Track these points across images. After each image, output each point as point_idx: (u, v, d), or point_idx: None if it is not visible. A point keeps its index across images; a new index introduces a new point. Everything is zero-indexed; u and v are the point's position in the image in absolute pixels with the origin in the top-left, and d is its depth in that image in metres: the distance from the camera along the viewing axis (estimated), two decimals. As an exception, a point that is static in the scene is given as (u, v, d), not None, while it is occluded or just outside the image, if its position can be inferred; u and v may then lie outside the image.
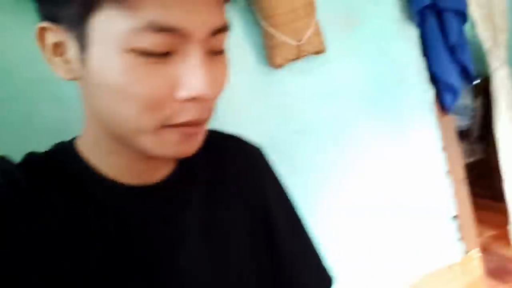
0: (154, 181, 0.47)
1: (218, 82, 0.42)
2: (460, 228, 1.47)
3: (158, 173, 0.48)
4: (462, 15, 1.34)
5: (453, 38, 1.32)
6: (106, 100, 0.39)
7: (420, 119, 1.40)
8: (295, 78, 1.15)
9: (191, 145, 0.43)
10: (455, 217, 1.46)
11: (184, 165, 0.50)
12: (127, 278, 0.43)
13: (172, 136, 0.40)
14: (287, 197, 0.60)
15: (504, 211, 1.73)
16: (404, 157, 1.38)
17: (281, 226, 0.57)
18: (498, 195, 1.86)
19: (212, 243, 0.49)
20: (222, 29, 0.40)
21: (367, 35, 1.29)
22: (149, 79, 0.37)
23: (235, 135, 0.60)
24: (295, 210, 0.60)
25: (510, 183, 1.66)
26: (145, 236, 0.45)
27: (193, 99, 0.39)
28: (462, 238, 1.46)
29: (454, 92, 1.39)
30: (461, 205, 1.47)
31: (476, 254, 1.49)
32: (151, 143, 0.40)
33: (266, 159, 0.60)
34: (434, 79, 1.40)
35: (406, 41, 1.36)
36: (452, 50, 1.36)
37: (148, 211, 0.46)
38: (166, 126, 0.40)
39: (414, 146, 1.39)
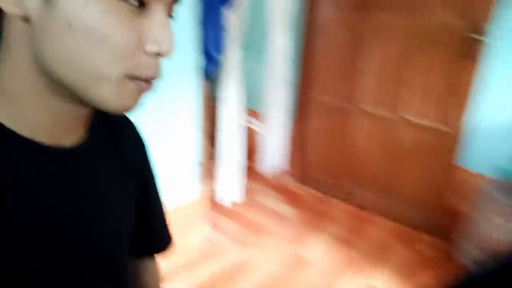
0: (69, 144, 0.48)
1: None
2: (203, 171, 1.91)
3: (73, 136, 0.49)
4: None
5: (222, 20, 1.66)
6: (74, 42, 0.38)
7: (188, 81, 1.68)
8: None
9: (139, 102, 0.45)
10: (200, 163, 1.88)
11: (93, 131, 0.52)
12: (42, 238, 0.44)
13: (131, 89, 0.42)
14: (153, 167, 0.69)
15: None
16: (170, 111, 1.64)
17: (153, 194, 0.69)
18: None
19: (113, 203, 0.56)
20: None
21: None
22: (125, 26, 0.39)
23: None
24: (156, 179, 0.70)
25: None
26: (62, 198, 0.47)
27: (157, 54, 0.42)
28: (203, 179, 1.92)
29: (216, 64, 1.76)
30: (205, 153, 1.91)
31: (209, 192, 1.99)
32: (109, 93, 0.41)
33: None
34: (203, 51, 1.71)
35: (187, 12, 1.57)
36: (218, 31, 1.70)
37: (67, 173, 0.47)
38: (130, 77, 0.41)
39: (180, 103, 1.67)
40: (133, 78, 0.42)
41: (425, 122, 2.13)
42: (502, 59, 1.81)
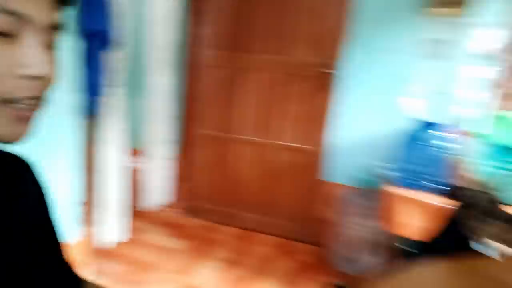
0: None
1: (52, 70, 0.46)
2: (85, 212, 1.82)
3: None
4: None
5: (103, 59, 1.69)
6: None
7: (67, 121, 1.63)
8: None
9: (23, 130, 0.46)
10: (81, 205, 1.79)
11: None
12: None
13: (6, 113, 0.43)
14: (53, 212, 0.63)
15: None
16: (50, 151, 1.57)
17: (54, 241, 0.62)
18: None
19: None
20: (57, 27, 0.47)
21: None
22: None
23: (14, 152, 0.58)
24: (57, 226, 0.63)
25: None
26: None
27: (32, 78, 0.43)
28: (85, 221, 1.82)
29: (96, 103, 1.75)
30: (87, 195, 1.83)
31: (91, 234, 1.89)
32: None
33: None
34: (83, 91, 1.69)
35: (69, 51, 1.57)
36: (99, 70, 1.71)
37: None
38: (5, 102, 0.42)
39: (60, 143, 1.61)
40: (9, 102, 0.43)
41: (293, 144, 2.42)
42: (348, 89, 2.22)
